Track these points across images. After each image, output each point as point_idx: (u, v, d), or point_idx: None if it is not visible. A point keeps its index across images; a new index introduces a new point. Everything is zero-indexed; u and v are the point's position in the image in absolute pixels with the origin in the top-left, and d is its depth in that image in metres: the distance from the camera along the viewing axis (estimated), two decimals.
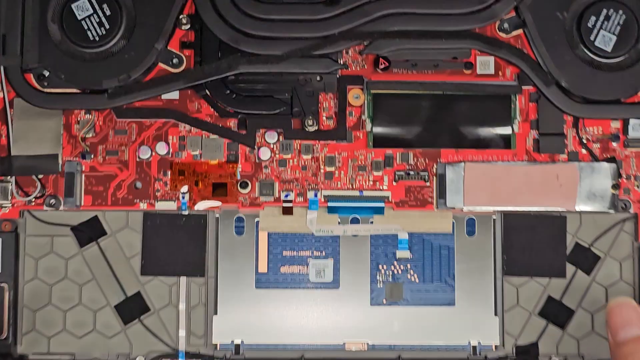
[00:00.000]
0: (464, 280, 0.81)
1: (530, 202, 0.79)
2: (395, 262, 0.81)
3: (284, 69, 0.80)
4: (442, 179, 0.80)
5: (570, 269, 0.81)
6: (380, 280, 0.81)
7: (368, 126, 0.81)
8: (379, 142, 0.81)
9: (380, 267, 0.81)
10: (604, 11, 0.80)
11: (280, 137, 0.81)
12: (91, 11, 0.79)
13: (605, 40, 0.79)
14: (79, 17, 0.79)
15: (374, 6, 0.80)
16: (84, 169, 0.81)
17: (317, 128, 0.81)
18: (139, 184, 0.81)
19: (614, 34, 0.79)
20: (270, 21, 0.80)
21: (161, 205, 0.80)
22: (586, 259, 0.81)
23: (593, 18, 0.79)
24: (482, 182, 0.79)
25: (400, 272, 0.81)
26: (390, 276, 0.81)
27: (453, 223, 0.81)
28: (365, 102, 0.81)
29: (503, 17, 0.81)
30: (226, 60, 0.80)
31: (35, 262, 0.80)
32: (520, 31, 0.81)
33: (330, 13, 0.80)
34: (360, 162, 0.81)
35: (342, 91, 0.81)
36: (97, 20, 0.79)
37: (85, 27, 0.79)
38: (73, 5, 0.79)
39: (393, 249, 0.81)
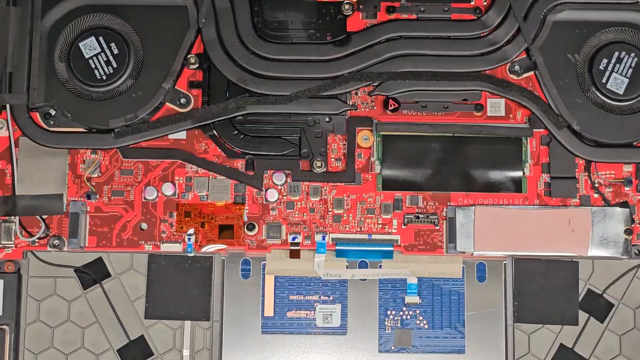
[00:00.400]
0: (474, 327, 0.79)
1: (541, 247, 0.78)
2: (404, 308, 0.79)
3: (293, 109, 0.79)
4: (452, 223, 0.79)
5: (582, 316, 0.79)
6: (389, 326, 0.79)
7: (377, 168, 0.80)
8: (388, 184, 0.80)
9: (388, 312, 0.79)
10: (616, 54, 0.79)
11: (288, 179, 0.80)
12: (99, 50, 0.78)
13: (617, 83, 0.78)
14: (87, 56, 0.78)
15: (384, 47, 0.80)
16: (88, 209, 0.80)
17: (325, 170, 0.80)
18: (144, 225, 0.80)
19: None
20: (279, 61, 0.80)
21: (166, 247, 0.79)
22: (599, 306, 0.79)
23: (605, 61, 0.79)
24: (493, 226, 0.78)
25: (409, 317, 0.79)
26: (399, 322, 0.79)
27: (463, 268, 0.79)
28: (375, 143, 0.80)
29: (514, 59, 0.80)
30: (234, 101, 0.79)
31: (38, 304, 0.79)
32: (531, 73, 0.81)
33: (340, 54, 0.80)
34: (369, 205, 0.80)
35: (351, 132, 0.80)
36: (105, 59, 0.78)
37: (93, 66, 0.78)
38: (81, 44, 0.79)
39: (402, 294, 0.80)
